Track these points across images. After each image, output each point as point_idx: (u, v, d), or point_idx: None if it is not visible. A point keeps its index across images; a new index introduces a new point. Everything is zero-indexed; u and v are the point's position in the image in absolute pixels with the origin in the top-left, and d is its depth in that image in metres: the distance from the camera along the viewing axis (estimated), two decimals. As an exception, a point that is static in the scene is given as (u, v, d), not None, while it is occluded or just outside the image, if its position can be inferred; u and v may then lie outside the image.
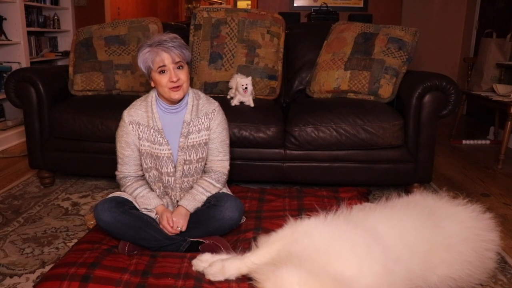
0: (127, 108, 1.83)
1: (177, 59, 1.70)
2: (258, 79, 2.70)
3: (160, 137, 1.78)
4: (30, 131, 2.53)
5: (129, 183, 1.83)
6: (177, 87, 1.71)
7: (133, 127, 1.78)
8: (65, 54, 4.79)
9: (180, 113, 1.82)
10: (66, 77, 2.75)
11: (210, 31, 2.77)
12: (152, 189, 1.86)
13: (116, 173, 1.87)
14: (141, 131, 1.79)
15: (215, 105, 1.87)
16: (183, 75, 1.72)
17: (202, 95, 1.89)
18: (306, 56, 2.91)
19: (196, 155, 1.83)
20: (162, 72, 1.70)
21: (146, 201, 1.79)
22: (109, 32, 2.77)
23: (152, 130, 1.78)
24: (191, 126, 1.81)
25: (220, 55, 2.73)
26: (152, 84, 1.78)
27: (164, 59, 1.68)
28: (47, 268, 1.69)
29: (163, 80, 1.70)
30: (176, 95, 1.72)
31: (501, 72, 3.75)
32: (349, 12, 5.26)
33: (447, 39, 5.46)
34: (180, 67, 1.72)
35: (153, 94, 1.82)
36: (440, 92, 2.31)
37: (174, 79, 1.69)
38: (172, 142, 1.80)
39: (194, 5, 9.66)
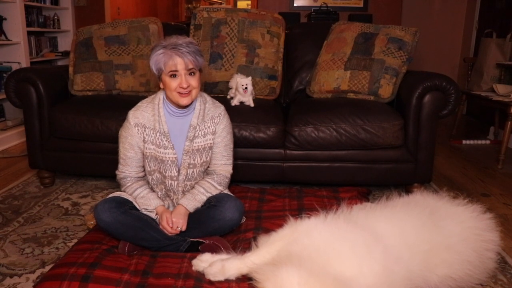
0: (133, 109, 1.81)
1: (190, 66, 1.68)
2: (258, 79, 2.70)
3: (166, 140, 1.77)
4: (30, 131, 2.53)
5: (129, 184, 1.83)
6: (187, 93, 1.69)
7: (138, 129, 1.77)
8: (65, 54, 4.79)
9: (187, 117, 1.81)
10: (66, 77, 2.75)
11: (210, 31, 2.77)
12: (153, 190, 1.86)
13: (117, 172, 1.86)
14: (146, 134, 1.77)
15: (221, 109, 1.86)
16: (194, 81, 1.70)
17: (208, 98, 1.88)
18: (306, 56, 2.91)
19: (201, 159, 1.82)
20: (173, 76, 1.68)
21: (146, 201, 1.79)
22: (109, 32, 2.77)
23: (158, 134, 1.76)
24: (197, 130, 1.80)
25: (220, 55, 2.73)
26: (161, 86, 1.75)
27: (177, 64, 1.66)
28: (47, 268, 1.69)
29: (172, 84, 1.68)
30: (184, 101, 1.71)
31: (501, 72, 3.75)
32: (349, 12, 5.26)
33: (447, 39, 5.46)
34: (192, 73, 1.70)
35: (160, 96, 1.80)
36: (440, 92, 2.31)
37: (184, 86, 1.67)
38: (177, 146, 1.79)
39: (194, 5, 9.65)
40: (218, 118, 1.83)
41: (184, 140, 1.79)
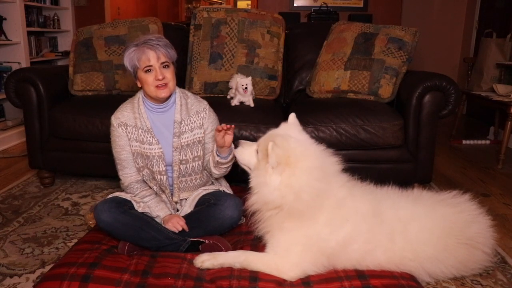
0: (114, 113, 1.83)
1: (163, 58, 1.72)
2: (258, 79, 2.70)
3: (150, 136, 1.78)
4: (30, 131, 2.53)
5: (137, 191, 1.82)
6: (164, 85, 1.72)
7: (122, 129, 1.79)
8: (65, 54, 4.79)
9: (168, 112, 1.82)
10: (66, 77, 2.75)
11: (210, 31, 2.77)
12: (156, 193, 1.86)
13: (120, 183, 1.86)
14: (129, 132, 1.79)
15: (204, 103, 1.88)
16: (168, 73, 1.73)
17: (189, 94, 1.90)
18: (306, 56, 2.90)
19: (192, 154, 1.83)
20: (148, 71, 1.71)
21: (155, 212, 1.79)
22: (109, 32, 2.77)
23: (140, 130, 1.78)
24: (183, 126, 1.81)
25: (220, 55, 2.73)
26: (139, 84, 1.79)
27: (150, 58, 1.70)
28: (47, 268, 1.69)
29: (149, 78, 1.71)
30: (162, 94, 1.73)
31: (501, 72, 3.75)
32: (349, 12, 5.25)
33: (447, 39, 5.46)
34: (166, 66, 1.73)
35: (139, 96, 1.83)
36: (440, 92, 2.31)
37: (160, 77, 1.70)
38: (164, 142, 1.80)
39: (194, 5, 9.65)
40: (204, 112, 1.85)
41: (171, 136, 1.80)
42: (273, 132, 1.59)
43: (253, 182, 1.55)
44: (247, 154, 1.58)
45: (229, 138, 1.71)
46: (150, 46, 1.70)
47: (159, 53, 1.71)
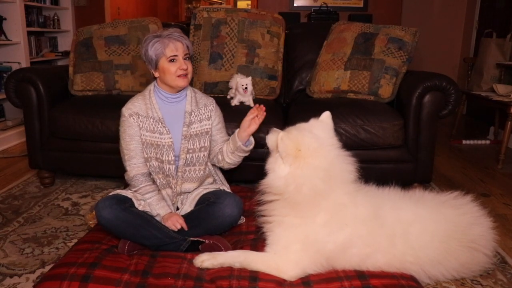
0: (125, 105, 1.86)
1: (186, 51, 1.81)
2: (258, 79, 2.70)
3: (161, 126, 1.81)
4: (30, 131, 2.53)
5: (141, 185, 1.81)
6: (185, 75, 1.80)
7: (133, 118, 1.82)
8: (65, 54, 4.80)
9: (180, 104, 1.88)
10: (66, 77, 2.75)
11: (210, 31, 2.77)
12: (158, 187, 1.86)
13: (125, 174, 1.86)
14: (140, 121, 1.82)
15: (211, 98, 1.98)
16: (190, 65, 1.82)
17: (197, 90, 1.99)
18: (306, 56, 2.90)
19: (199, 144, 1.87)
20: (172, 60, 1.77)
21: (155, 210, 1.79)
22: (109, 32, 2.77)
23: (151, 120, 1.82)
24: (193, 116, 1.87)
25: (220, 55, 2.73)
26: (156, 74, 1.82)
27: (177, 47, 1.77)
28: (47, 268, 1.69)
29: (172, 68, 1.77)
30: (181, 83, 1.80)
31: (501, 72, 3.75)
32: (349, 12, 5.26)
33: (447, 39, 5.46)
34: (187, 58, 1.82)
35: (150, 88, 1.88)
36: (440, 92, 2.31)
37: (184, 67, 1.78)
38: (174, 132, 1.84)
39: (194, 5, 9.66)
40: (212, 105, 1.94)
41: (181, 126, 1.85)
42: (298, 125, 1.67)
43: (267, 166, 1.63)
44: (273, 140, 1.66)
45: (253, 126, 1.83)
46: (176, 37, 1.78)
47: (184, 46, 1.80)
